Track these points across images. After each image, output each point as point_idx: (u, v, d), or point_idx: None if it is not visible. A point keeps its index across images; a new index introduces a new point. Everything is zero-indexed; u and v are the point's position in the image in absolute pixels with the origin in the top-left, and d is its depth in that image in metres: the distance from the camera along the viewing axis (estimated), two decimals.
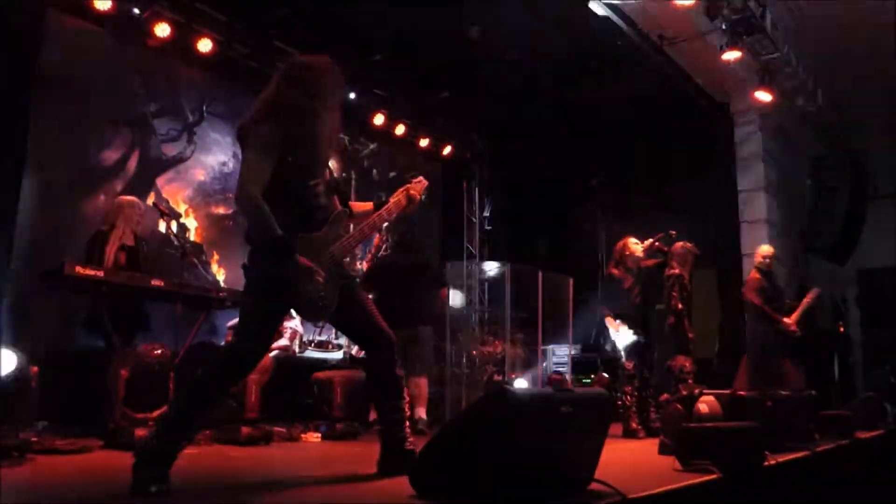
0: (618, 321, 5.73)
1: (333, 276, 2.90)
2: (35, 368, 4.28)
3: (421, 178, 3.46)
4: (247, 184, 2.70)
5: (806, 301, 6.88)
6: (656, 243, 5.98)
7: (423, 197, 3.41)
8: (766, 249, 6.98)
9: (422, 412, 5.71)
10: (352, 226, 3.17)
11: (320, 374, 6.42)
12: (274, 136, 2.80)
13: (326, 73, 2.99)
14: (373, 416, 5.43)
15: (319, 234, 2.92)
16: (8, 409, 3.91)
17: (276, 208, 2.70)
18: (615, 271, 5.90)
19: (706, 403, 4.04)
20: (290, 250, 2.69)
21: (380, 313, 3.11)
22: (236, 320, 3.04)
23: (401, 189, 3.34)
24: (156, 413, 4.42)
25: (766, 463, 3.34)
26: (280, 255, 2.69)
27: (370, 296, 3.66)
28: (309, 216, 2.89)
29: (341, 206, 3.08)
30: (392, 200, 3.28)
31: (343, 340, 7.66)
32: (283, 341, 6.78)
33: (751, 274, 6.89)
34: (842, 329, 11.21)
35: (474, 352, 8.28)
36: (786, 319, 6.57)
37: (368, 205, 3.30)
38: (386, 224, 3.34)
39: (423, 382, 5.84)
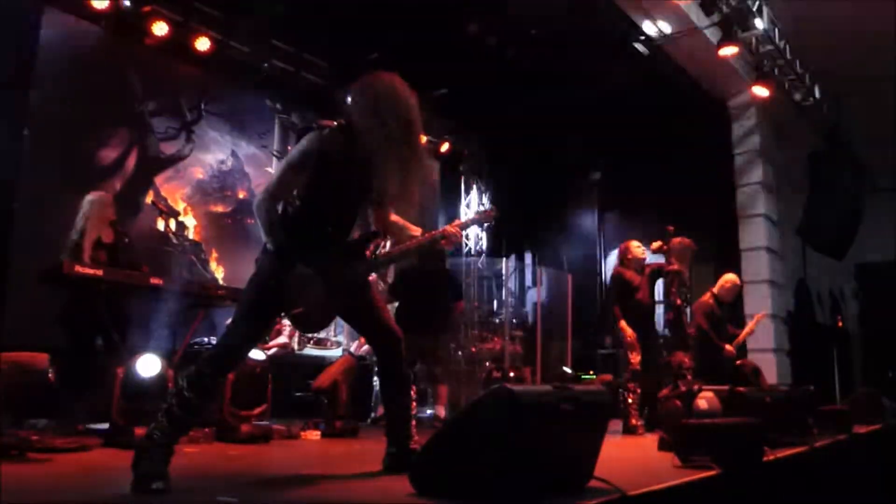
0: (630, 328, 5.73)
1: (338, 294, 2.90)
2: None
3: (491, 209, 3.44)
4: (266, 191, 2.79)
5: (748, 329, 6.81)
6: (664, 246, 6.01)
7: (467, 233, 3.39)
8: (730, 278, 6.75)
9: (441, 410, 5.99)
10: (388, 245, 3.18)
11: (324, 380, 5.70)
12: (310, 151, 2.79)
13: (388, 97, 2.84)
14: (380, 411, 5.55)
15: (334, 252, 2.92)
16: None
17: (295, 220, 2.77)
18: (622, 271, 5.93)
19: (705, 399, 4.05)
20: (290, 261, 2.75)
21: (402, 321, 3.13)
22: None
23: (456, 222, 3.31)
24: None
25: (764, 458, 3.35)
26: (281, 263, 2.75)
27: (395, 303, 3.69)
28: (324, 238, 2.90)
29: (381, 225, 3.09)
30: (441, 230, 3.25)
31: (342, 337, 7.68)
32: (283, 339, 6.79)
33: (705, 297, 6.65)
34: (840, 323, 11.24)
35: (473, 348, 8.28)
36: (727, 346, 6.52)
37: (417, 229, 3.26)
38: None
39: (443, 388, 6.12)
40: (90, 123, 6.81)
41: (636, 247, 5.98)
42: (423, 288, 5.96)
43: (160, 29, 6.89)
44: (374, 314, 3.07)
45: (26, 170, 6.08)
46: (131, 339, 5.14)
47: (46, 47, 6.35)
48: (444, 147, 10.23)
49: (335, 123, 2.85)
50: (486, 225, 9.73)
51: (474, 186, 10.76)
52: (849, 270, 12.01)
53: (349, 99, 2.89)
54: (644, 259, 5.95)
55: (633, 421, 5.59)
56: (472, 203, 10.69)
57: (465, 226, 3.34)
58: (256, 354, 5.15)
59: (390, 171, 2.83)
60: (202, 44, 7.28)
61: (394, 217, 3.17)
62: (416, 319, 5.54)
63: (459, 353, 7.99)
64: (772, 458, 3.38)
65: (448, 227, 3.26)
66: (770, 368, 8.47)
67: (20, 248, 5.79)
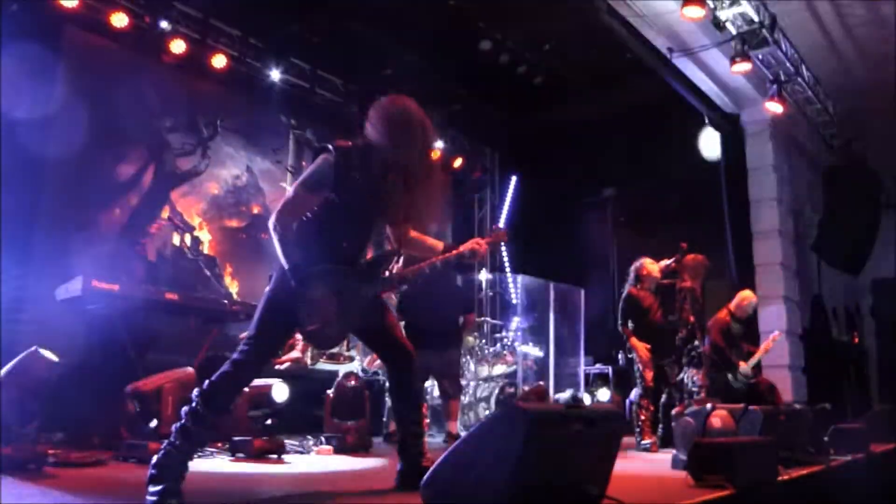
0: (642, 343, 5.72)
1: (352, 311, 2.90)
2: None
3: (503, 231, 3.45)
4: (280, 211, 2.82)
5: (763, 349, 6.74)
6: (673, 263, 6.01)
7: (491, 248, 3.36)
8: (746, 295, 6.65)
9: (453, 427, 5.94)
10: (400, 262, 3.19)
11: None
12: (324, 172, 2.83)
13: (401, 122, 2.86)
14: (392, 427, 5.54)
15: (349, 269, 2.94)
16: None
17: (310, 238, 2.78)
18: (634, 290, 5.91)
19: (719, 417, 4.02)
20: (304, 279, 2.76)
21: (412, 336, 3.15)
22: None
23: (478, 239, 3.29)
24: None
25: (779, 477, 3.33)
26: (296, 282, 2.76)
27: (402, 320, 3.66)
28: (339, 256, 2.91)
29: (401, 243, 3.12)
30: (463, 248, 3.24)
31: (355, 352, 7.68)
32: (295, 353, 6.80)
33: (721, 314, 6.58)
34: (856, 340, 11.13)
35: (486, 364, 8.26)
36: (741, 364, 6.46)
37: (438, 244, 3.29)
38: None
39: (455, 404, 6.08)
40: (108, 139, 6.89)
41: (650, 264, 5.97)
42: (431, 303, 5.95)
43: (178, 47, 6.99)
44: (387, 331, 3.09)
45: (46, 185, 6.20)
46: (147, 355, 5.18)
47: (66, 65, 6.47)
48: (458, 162, 10.27)
49: (350, 144, 2.89)
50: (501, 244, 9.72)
51: (487, 202, 10.77)
52: (864, 286, 11.90)
53: (365, 121, 2.93)
54: (659, 277, 5.94)
55: (647, 438, 5.57)
56: (486, 219, 10.70)
57: (488, 244, 3.35)
58: None
59: (404, 191, 2.86)
60: (219, 61, 7.38)
61: (413, 233, 3.19)
62: (426, 335, 5.50)
63: (472, 368, 7.97)
64: (787, 477, 3.35)
65: (472, 243, 3.25)
66: (785, 386, 8.40)
67: (39, 263, 5.92)
